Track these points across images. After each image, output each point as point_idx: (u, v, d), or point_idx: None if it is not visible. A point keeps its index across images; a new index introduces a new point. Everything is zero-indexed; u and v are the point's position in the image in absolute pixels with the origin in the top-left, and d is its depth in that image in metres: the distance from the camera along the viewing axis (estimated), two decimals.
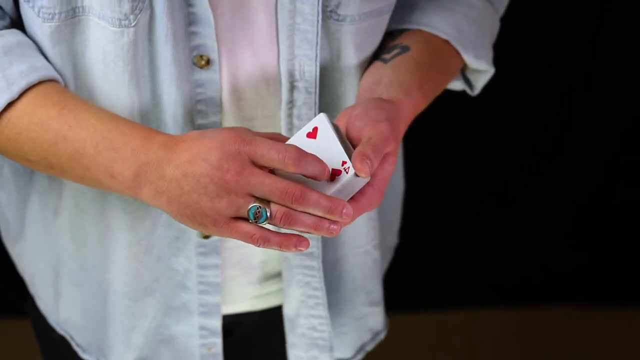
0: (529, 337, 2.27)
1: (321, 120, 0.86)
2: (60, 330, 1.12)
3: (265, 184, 0.80)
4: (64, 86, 0.91)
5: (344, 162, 0.84)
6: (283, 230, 0.84)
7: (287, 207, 0.80)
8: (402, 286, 1.19)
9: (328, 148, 0.85)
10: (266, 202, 0.81)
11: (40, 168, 0.90)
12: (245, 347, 1.11)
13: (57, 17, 0.87)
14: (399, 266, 1.19)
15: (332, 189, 0.84)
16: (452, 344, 2.25)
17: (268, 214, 0.80)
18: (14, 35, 0.89)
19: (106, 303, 1.05)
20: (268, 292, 1.10)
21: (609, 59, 2.09)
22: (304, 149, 0.83)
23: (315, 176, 0.82)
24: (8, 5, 0.90)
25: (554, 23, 2.06)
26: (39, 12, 0.87)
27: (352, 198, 0.85)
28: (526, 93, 2.13)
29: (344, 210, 0.80)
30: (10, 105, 0.87)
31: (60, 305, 1.10)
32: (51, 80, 0.89)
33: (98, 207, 1.00)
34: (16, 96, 0.86)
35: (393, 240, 1.22)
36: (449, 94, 1.14)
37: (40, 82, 0.88)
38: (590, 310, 2.31)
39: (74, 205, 1.01)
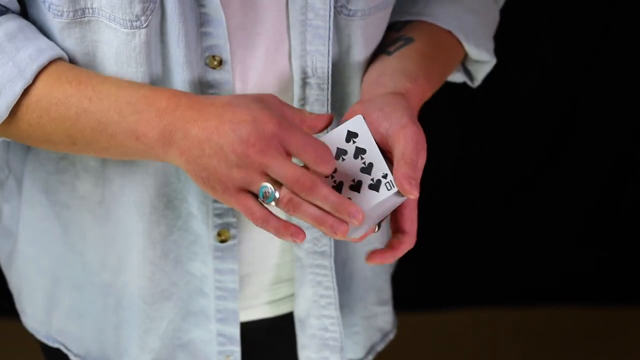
0: (531, 337, 2.27)
1: (361, 123, 0.86)
2: (52, 343, 1.10)
3: (283, 168, 0.80)
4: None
5: (384, 175, 0.84)
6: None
7: (295, 194, 0.81)
8: (403, 286, 1.19)
9: (370, 156, 0.85)
10: (279, 184, 0.81)
11: (64, 147, 0.89)
12: (256, 354, 1.10)
13: (65, 14, 0.87)
14: (401, 266, 1.19)
15: (373, 202, 0.84)
16: (453, 344, 2.24)
17: (277, 195, 0.81)
18: (13, 20, 0.88)
19: (119, 305, 1.03)
20: (280, 297, 1.09)
21: (612, 59, 2.11)
22: (343, 149, 0.85)
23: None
24: (12, 4, 0.89)
25: (559, 23, 2.08)
26: (49, 7, 0.87)
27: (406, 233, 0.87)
28: (533, 91, 2.13)
29: (351, 209, 0.80)
30: (26, 90, 0.86)
31: (54, 314, 1.08)
32: (59, 59, 0.88)
33: (109, 209, 0.99)
34: (30, 81, 0.85)
35: None
36: (454, 93, 1.14)
37: (50, 63, 0.87)
38: (593, 310, 2.31)
39: (82, 205, 1.00)
